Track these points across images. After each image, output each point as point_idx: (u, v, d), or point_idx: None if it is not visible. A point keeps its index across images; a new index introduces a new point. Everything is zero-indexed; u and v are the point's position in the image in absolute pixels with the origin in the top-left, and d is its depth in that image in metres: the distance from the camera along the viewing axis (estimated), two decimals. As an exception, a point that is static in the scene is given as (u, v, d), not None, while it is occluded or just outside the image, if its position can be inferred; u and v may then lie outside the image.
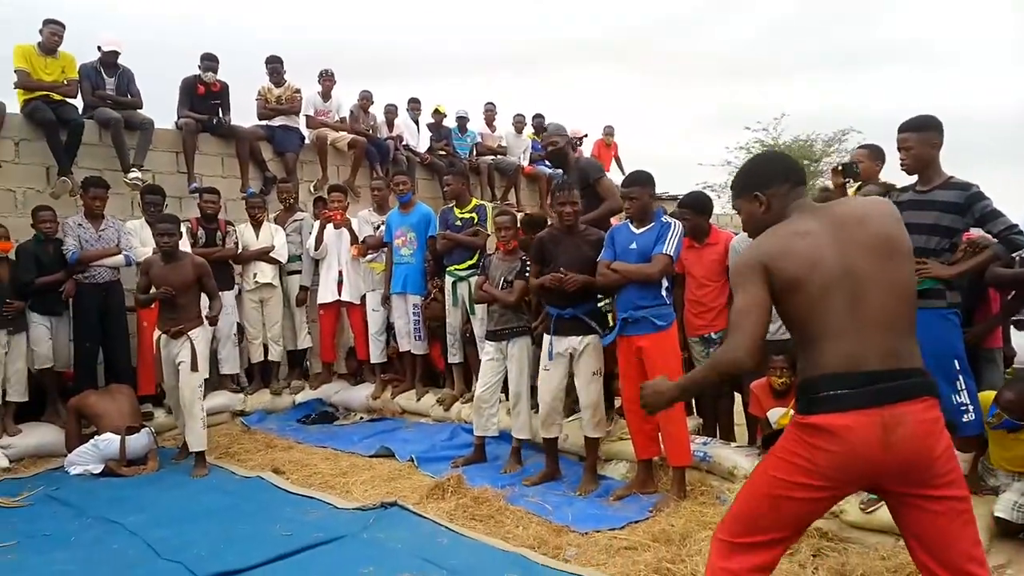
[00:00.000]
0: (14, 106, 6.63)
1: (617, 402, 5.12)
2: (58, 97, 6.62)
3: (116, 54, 7.13)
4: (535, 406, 4.91)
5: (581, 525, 3.84)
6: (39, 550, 3.85)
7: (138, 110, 7.17)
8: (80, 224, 5.96)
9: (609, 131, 12.41)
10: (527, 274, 4.91)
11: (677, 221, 4.34)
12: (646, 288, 4.18)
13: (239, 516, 4.23)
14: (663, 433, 4.24)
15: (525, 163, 10.85)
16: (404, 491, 4.53)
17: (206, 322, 5.45)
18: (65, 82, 6.68)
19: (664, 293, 4.23)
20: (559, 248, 4.52)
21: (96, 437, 5.26)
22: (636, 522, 3.88)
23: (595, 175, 5.22)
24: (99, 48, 7.11)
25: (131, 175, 6.83)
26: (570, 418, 4.86)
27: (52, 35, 6.68)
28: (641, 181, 4.31)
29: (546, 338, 4.61)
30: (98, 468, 5.18)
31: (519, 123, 11.02)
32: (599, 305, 4.66)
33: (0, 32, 6.96)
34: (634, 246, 4.23)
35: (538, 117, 11.32)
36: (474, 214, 5.96)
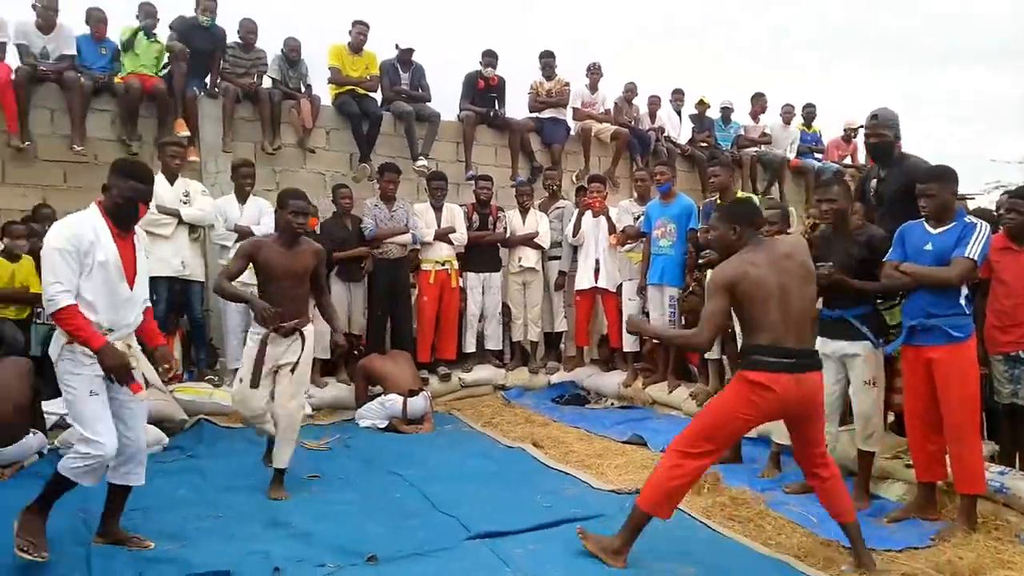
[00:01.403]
0: (327, 99, 7.61)
1: (891, 416, 4.77)
2: (362, 91, 7.48)
3: (411, 51, 7.87)
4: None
5: (853, 541, 3.62)
6: (334, 488, 4.42)
7: (427, 103, 7.87)
8: (376, 205, 6.69)
9: (853, 123, 11.36)
10: None
11: (983, 222, 3.90)
12: (941, 294, 3.79)
13: (503, 482, 4.52)
14: (952, 455, 3.85)
15: (792, 156, 10.31)
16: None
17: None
18: (368, 78, 7.53)
19: (963, 301, 3.83)
20: (829, 248, 4.28)
21: (382, 396, 5.90)
22: (916, 548, 3.58)
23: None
24: (396, 46, 7.90)
25: (419, 163, 7.54)
26: (842, 428, 4.58)
27: (359, 35, 7.56)
28: (941, 176, 3.92)
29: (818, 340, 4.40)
30: (383, 424, 5.81)
31: (787, 113, 10.49)
32: (879, 311, 4.34)
33: (319, 36, 7.93)
34: (929, 247, 3.85)
35: (808, 107, 10.70)
36: (742, 208, 5.79)
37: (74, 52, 6.66)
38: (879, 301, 4.30)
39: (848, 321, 4.17)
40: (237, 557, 3.31)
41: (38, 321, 5.62)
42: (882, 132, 4.61)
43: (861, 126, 9.60)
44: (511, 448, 5.30)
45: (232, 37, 7.33)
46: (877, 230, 4.26)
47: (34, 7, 6.51)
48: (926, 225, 3.93)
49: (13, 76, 6.30)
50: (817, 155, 10.59)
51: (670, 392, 6.45)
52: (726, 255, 3.33)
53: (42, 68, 6.45)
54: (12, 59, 6.52)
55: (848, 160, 10.72)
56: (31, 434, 4.50)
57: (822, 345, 4.30)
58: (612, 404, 6.84)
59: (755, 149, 10.09)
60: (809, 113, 10.70)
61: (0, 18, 6.43)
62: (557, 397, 7.01)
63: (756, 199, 5.99)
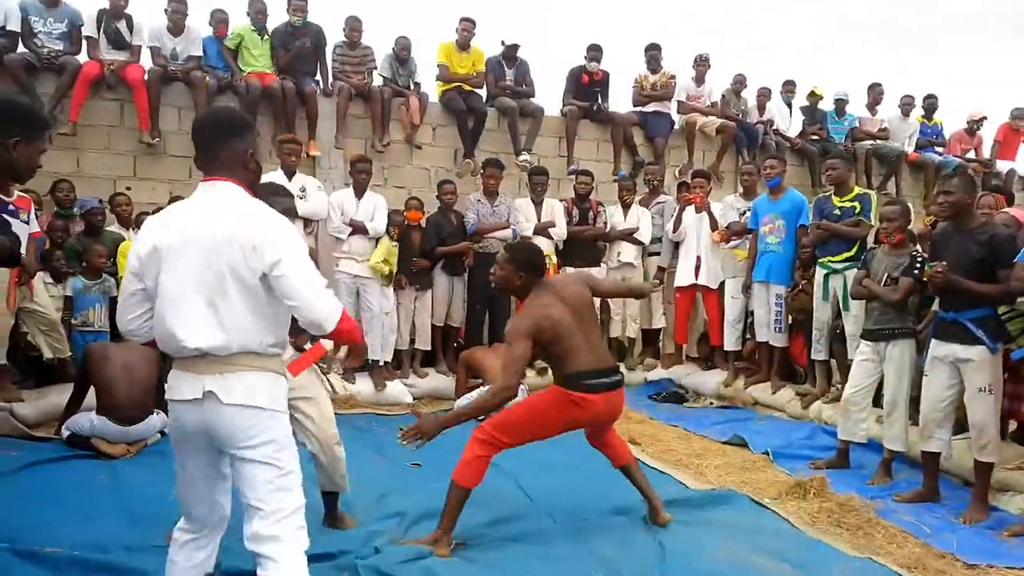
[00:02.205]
0: (434, 96, 7.79)
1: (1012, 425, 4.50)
2: (468, 88, 7.62)
3: (516, 47, 7.95)
4: (914, 417, 4.50)
5: (970, 555, 3.44)
6: (433, 477, 4.53)
7: (531, 99, 7.94)
8: (479, 200, 6.80)
9: (1019, 114, 10.61)
10: (916, 271, 4.50)
11: None
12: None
13: (597, 476, 4.49)
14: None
15: (910, 150, 9.78)
16: (760, 483, 4.47)
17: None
18: (475, 74, 7.66)
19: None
20: (946, 245, 4.06)
21: (482, 387, 6.01)
22: (1039, 565, 3.37)
23: None
24: (502, 42, 7.99)
25: (521, 158, 7.62)
26: (957, 436, 4.34)
27: (465, 31, 7.70)
28: None
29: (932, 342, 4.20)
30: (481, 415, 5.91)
31: (907, 105, 9.94)
32: (1003, 314, 4.09)
33: (427, 35, 8.11)
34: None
35: (929, 98, 10.13)
36: (856, 203, 5.57)
37: (200, 53, 7.08)
38: (1006, 308, 4.05)
39: (963, 324, 3.96)
40: (341, 537, 3.47)
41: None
42: None
43: (984, 118, 8.91)
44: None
45: (338, 36, 7.57)
46: (1002, 228, 4.01)
47: (165, 11, 6.96)
48: None
49: (146, 76, 6.76)
50: (938, 149, 10.01)
51: (773, 393, 6.28)
52: (510, 293, 3.76)
53: (171, 68, 6.90)
54: (145, 60, 7.00)
55: (972, 154, 10.09)
56: (155, 414, 4.82)
57: (934, 348, 4.10)
58: (711, 403, 6.72)
59: (871, 142, 9.63)
60: (930, 104, 10.11)
61: (136, 22, 6.91)
62: (654, 394, 6.94)
63: (872, 195, 5.75)
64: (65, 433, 4.71)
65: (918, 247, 4.87)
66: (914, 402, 4.54)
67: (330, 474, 3.54)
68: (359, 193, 6.42)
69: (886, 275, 4.65)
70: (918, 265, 4.51)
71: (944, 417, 4.15)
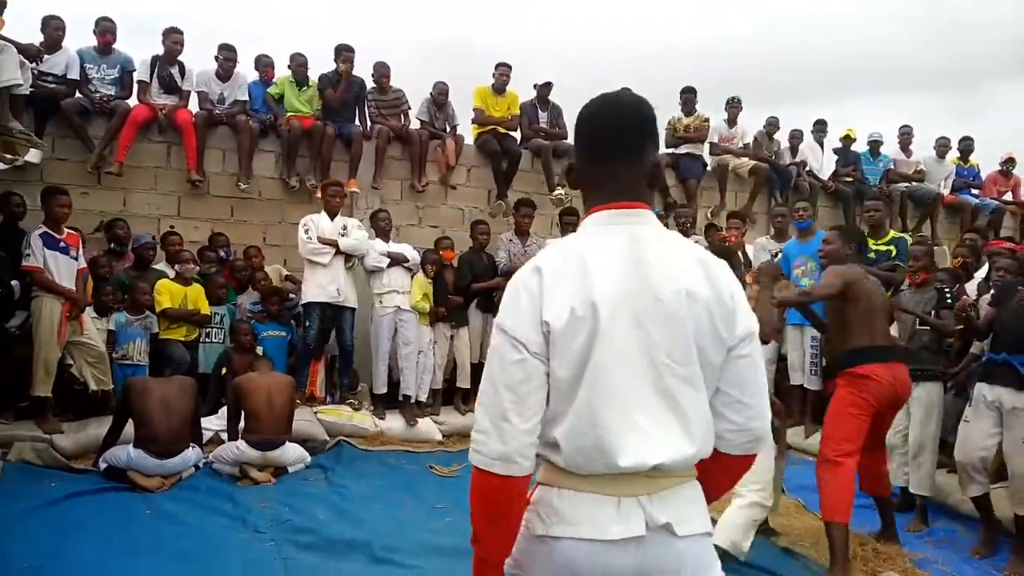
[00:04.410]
0: (469, 138, 7.96)
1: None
2: (503, 130, 7.77)
3: (550, 85, 8.09)
4: (948, 464, 4.43)
5: (1010, 609, 3.35)
6: (463, 514, 4.55)
7: (564, 140, 8.06)
8: (511, 239, 6.89)
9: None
10: (949, 301, 4.61)
11: None
12: None
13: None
14: None
15: (946, 192, 9.69)
16: (795, 530, 4.40)
17: None
18: (510, 118, 7.81)
19: None
20: (1013, 291, 4.06)
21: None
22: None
23: None
24: (534, 86, 8.15)
25: (556, 193, 7.72)
26: (996, 484, 4.24)
27: (502, 76, 7.88)
28: None
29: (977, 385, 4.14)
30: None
31: (942, 147, 9.88)
32: None
33: (461, 79, 8.30)
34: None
35: (965, 140, 10.05)
36: (892, 247, 5.55)
37: (246, 98, 7.33)
38: None
39: (1014, 366, 3.90)
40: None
41: (207, 341, 6.18)
42: None
43: (1012, 158, 8.85)
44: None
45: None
46: None
47: (216, 58, 7.24)
48: None
49: (194, 119, 7.01)
50: (974, 191, 9.90)
51: (807, 437, 6.19)
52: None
53: (217, 112, 7.15)
54: (192, 104, 7.27)
55: (1008, 195, 9.97)
56: (190, 448, 4.94)
57: (980, 391, 4.05)
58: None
59: (906, 184, 9.55)
60: (966, 147, 10.03)
61: (188, 68, 7.20)
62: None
63: (907, 238, 5.72)
64: (102, 465, 4.82)
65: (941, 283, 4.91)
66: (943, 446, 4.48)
67: None
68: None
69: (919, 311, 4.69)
70: (948, 298, 4.57)
71: (984, 463, 4.07)
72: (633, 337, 1.44)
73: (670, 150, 8.67)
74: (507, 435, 1.43)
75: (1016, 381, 3.89)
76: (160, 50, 7.08)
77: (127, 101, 6.94)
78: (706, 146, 8.78)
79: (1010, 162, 10.03)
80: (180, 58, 7.15)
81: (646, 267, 1.47)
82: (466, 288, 6.71)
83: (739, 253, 6.71)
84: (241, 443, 4.99)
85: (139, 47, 7.20)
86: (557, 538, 1.46)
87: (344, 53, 7.50)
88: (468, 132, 8.01)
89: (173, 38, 7.06)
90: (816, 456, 5.85)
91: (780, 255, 6.50)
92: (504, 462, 1.44)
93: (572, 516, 1.46)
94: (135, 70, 7.03)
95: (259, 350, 5.96)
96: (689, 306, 1.45)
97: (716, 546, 1.54)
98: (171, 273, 6.18)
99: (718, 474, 1.59)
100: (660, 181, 1.58)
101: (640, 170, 1.55)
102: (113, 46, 6.97)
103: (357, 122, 7.70)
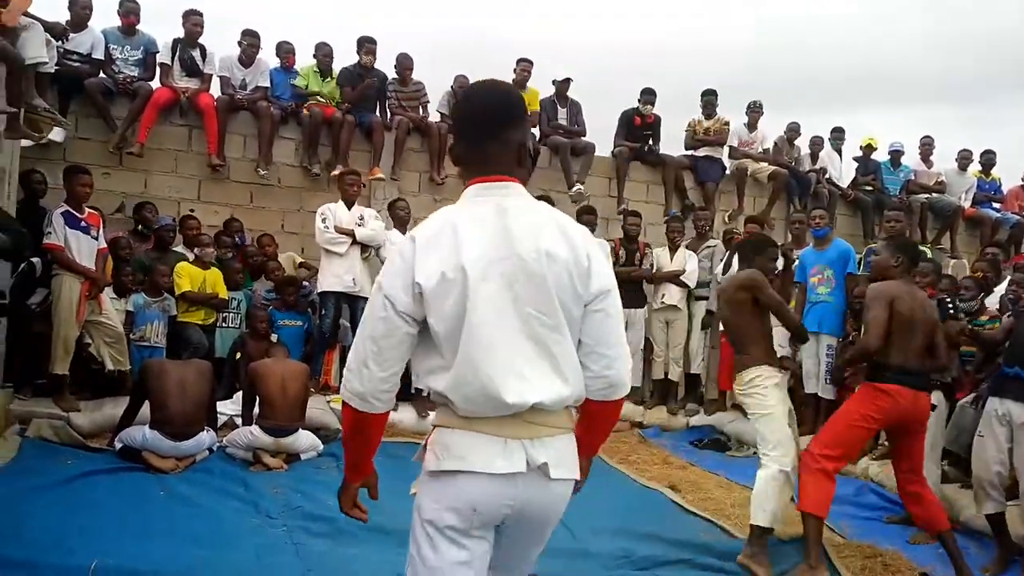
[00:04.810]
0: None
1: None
2: (523, 127, 7.75)
3: (568, 81, 8.08)
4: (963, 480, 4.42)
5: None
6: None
7: (582, 137, 8.06)
8: (528, 236, 6.88)
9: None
10: (951, 311, 4.78)
11: None
12: None
13: (637, 520, 4.52)
14: None
15: (967, 204, 9.62)
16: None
17: None
18: (530, 114, 7.78)
19: None
20: None
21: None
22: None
23: None
24: (553, 81, 8.14)
25: (574, 189, 7.73)
26: (1009, 502, 4.22)
27: (523, 72, 7.88)
28: None
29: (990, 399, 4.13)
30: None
31: (964, 159, 9.82)
32: None
33: (472, 61, 8.30)
34: None
35: (987, 153, 9.98)
36: (910, 259, 5.52)
37: (268, 84, 7.35)
38: None
39: (1023, 380, 3.88)
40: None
41: (223, 325, 6.20)
42: None
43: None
44: (647, 487, 5.26)
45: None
46: None
47: (240, 43, 7.26)
48: None
49: (216, 104, 7.03)
50: (996, 204, 9.84)
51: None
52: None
53: (238, 97, 7.16)
54: (215, 89, 7.29)
55: (1031, 210, 9.91)
56: (205, 431, 4.96)
57: (991, 404, 4.04)
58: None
59: (926, 196, 9.50)
60: (988, 160, 9.97)
61: (209, 51, 7.22)
62: (696, 440, 6.86)
63: (926, 250, 5.70)
64: (118, 445, 4.85)
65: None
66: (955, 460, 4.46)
67: None
68: (403, 231, 6.54)
69: None
70: (950, 308, 4.70)
71: (999, 479, 4.05)
72: (503, 295, 1.66)
73: (689, 152, 8.66)
74: (365, 379, 1.71)
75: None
76: (181, 33, 7.09)
77: (150, 83, 6.97)
78: (725, 149, 8.75)
79: None
80: (202, 41, 7.16)
81: (511, 233, 1.68)
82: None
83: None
84: (255, 428, 5.02)
85: (162, 30, 7.24)
86: (450, 472, 1.70)
87: (367, 45, 7.51)
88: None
89: (193, 20, 7.08)
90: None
91: (796, 263, 6.49)
92: (360, 400, 1.73)
93: (463, 453, 1.69)
94: (158, 52, 7.05)
95: (274, 337, 5.98)
96: (549, 265, 1.68)
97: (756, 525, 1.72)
98: (190, 256, 6.21)
99: (589, 421, 1.85)
100: (530, 159, 1.65)
101: (508, 149, 1.77)
102: (137, 27, 7.00)
103: (377, 113, 7.70)
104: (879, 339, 3.73)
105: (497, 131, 1.78)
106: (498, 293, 1.67)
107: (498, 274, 1.67)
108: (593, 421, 1.87)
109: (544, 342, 1.69)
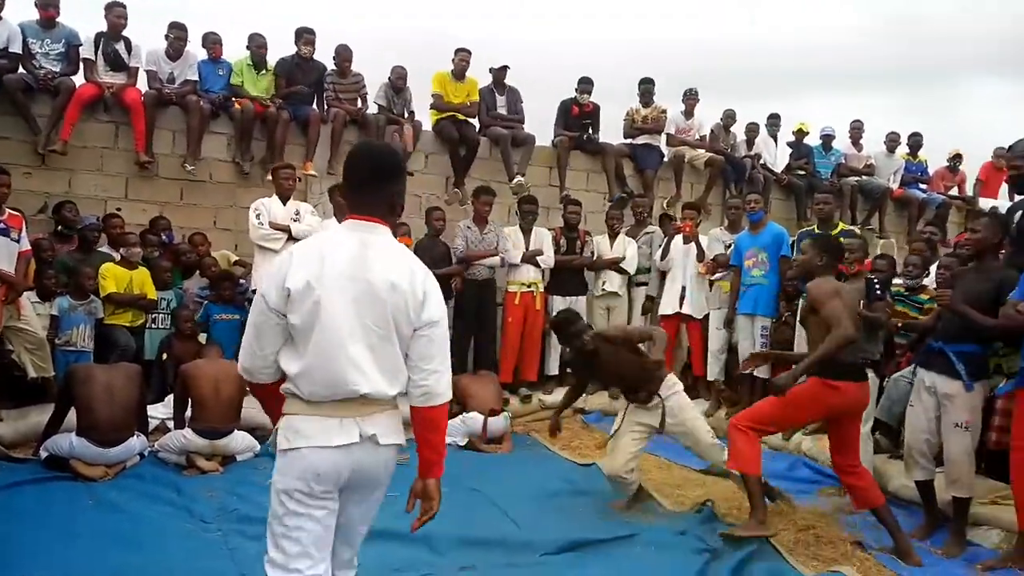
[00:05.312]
0: (428, 124, 7.90)
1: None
2: (462, 117, 7.72)
3: (505, 69, 8.06)
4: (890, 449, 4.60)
5: (944, 590, 3.47)
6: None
7: (522, 126, 8.06)
8: (469, 226, 6.87)
9: (1001, 153, 10.79)
10: (878, 292, 4.94)
11: None
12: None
13: (582, 502, 4.58)
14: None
15: (895, 186, 9.93)
16: (743, 513, 4.46)
17: None
18: (469, 104, 7.77)
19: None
20: (961, 280, 4.17)
21: (464, 414, 6.01)
22: (1012, 601, 3.40)
23: None
24: (490, 70, 8.11)
25: (515, 180, 7.72)
26: (939, 469, 4.38)
27: (462, 61, 7.82)
28: None
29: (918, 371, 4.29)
30: (462, 441, 5.91)
31: (892, 142, 10.12)
32: (1000, 353, 4.16)
33: (421, 59, 8.25)
34: (1052, 286, 3.67)
35: (914, 136, 10.30)
36: (842, 239, 5.65)
37: (196, 77, 7.15)
38: (1003, 344, 4.11)
39: (947, 355, 4.03)
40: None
41: (152, 327, 6.04)
42: (1019, 164, 4.43)
43: (959, 154, 9.18)
44: (586, 467, 5.33)
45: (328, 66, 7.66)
46: (1012, 272, 4.08)
47: (167, 36, 7.04)
48: None
49: (142, 99, 6.82)
50: (922, 186, 10.17)
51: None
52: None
53: (166, 92, 6.96)
54: (141, 83, 7.06)
55: (955, 191, 10.27)
56: (135, 436, 4.83)
57: (920, 376, 4.19)
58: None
59: (856, 178, 9.76)
60: (915, 142, 10.29)
61: (134, 44, 6.99)
62: (639, 424, 6.94)
63: (856, 230, 5.86)
64: (43, 454, 4.70)
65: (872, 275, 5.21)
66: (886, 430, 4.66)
67: None
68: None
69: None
70: (877, 289, 4.89)
71: (929, 447, 4.20)
72: (351, 307, 2.12)
73: (628, 140, 8.73)
74: (248, 356, 2.23)
75: (949, 369, 4.02)
76: (104, 26, 6.85)
77: (72, 78, 6.72)
78: (663, 137, 8.85)
79: (957, 158, 10.34)
80: (126, 34, 6.93)
81: (367, 263, 2.15)
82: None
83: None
84: (188, 432, 4.90)
85: (83, 25, 6.97)
86: (297, 449, 2.14)
87: (305, 36, 7.37)
88: (426, 118, 7.94)
89: (116, 12, 6.83)
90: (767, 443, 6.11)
91: (732, 246, 6.60)
92: (247, 373, 2.26)
93: (309, 433, 2.14)
94: (81, 45, 6.80)
95: (202, 337, 5.86)
96: (391, 293, 2.13)
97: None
98: (116, 256, 6.02)
99: (416, 423, 2.27)
100: (399, 208, 1.98)
101: (381, 198, 2.25)
102: (57, 20, 6.74)
103: (315, 106, 7.58)
104: (854, 324, 3.86)
105: (372, 182, 2.25)
106: (348, 305, 2.12)
107: (350, 291, 2.12)
108: (418, 424, 2.28)
109: (377, 349, 2.14)
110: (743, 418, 4.12)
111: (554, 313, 6.49)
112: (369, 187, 2.24)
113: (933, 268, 5.89)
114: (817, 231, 5.82)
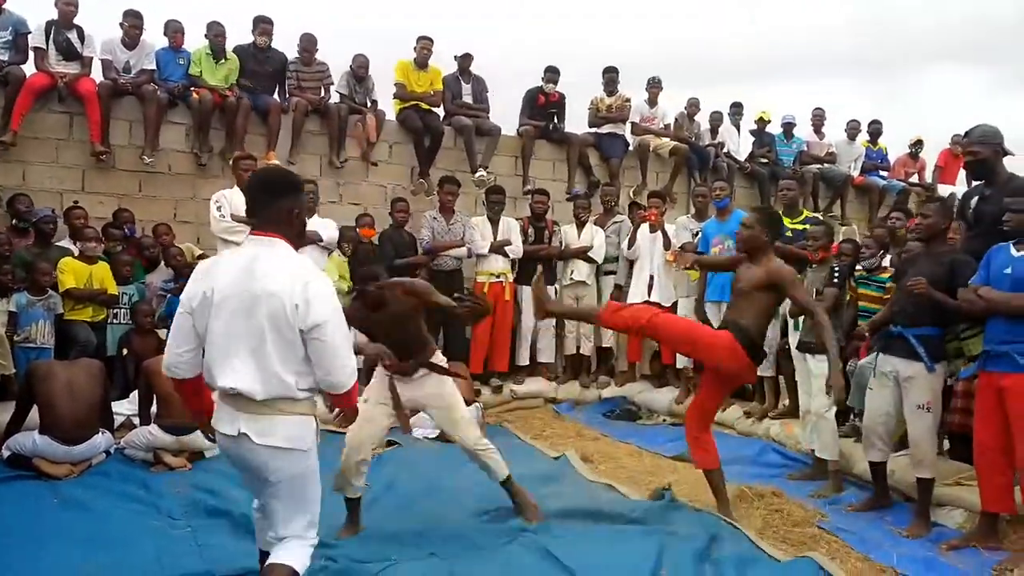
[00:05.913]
0: (391, 114, 7.81)
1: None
2: (426, 106, 7.65)
3: (470, 57, 8.00)
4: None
5: (910, 569, 3.55)
6: (389, 494, 4.52)
7: (487, 116, 8.01)
8: (435, 217, 6.82)
9: (959, 139, 11.04)
10: (836, 281, 4.99)
11: None
12: (1018, 321, 3.66)
13: (549, 490, 4.58)
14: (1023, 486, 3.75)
15: (856, 173, 10.10)
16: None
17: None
18: (432, 93, 7.70)
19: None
20: (914, 264, 4.23)
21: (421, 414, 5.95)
22: (976, 578, 3.49)
23: None
24: (455, 57, 8.05)
25: (478, 174, 7.68)
26: (900, 452, 4.48)
27: (424, 50, 7.74)
28: None
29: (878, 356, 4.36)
30: (433, 434, 5.85)
31: (853, 130, 10.28)
32: (962, 336, 4.25)
33: (385, 49, 8.15)
34: (1009, 271, 3.72)
35: (874, 123, 10.48)
36: (807, 226, 5.75)
37: (153, 67, 6.97)
38: (965, 328, 4.20)
39: (907, 339, 4.10)
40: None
41: (114, 322, 5.90)
42: (975, 150, 4.39)
43: (920, 141, 9.33)
44: (556, 458, 5.33)
45: (292, 54, 7.54)
46: (962, 256, 4.15)
47: (122, 25, 6.85)
48: (1012, 248, 3.79)
49: (97, 89, 6.63)
50: (883, 173, 10.36)
51: (723, 410, 6.35)
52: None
53: (122, 82, 6.77)
54: (95, 72, 6.86)
55: (915, 178, 10.47)
56: (100, 433, 4.73)
57: (880, 362, 4.26)
58: (664, 420, 6.79)
59: (818, 166, 9.90)
60: (875, 130, 10.47)
61: (88, 34, 6.78)
62: (608, 412, 7.00)
63: (819, 216, 5.95)
64: (5, 453, 4.59)
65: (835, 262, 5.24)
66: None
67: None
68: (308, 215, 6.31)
69: (814, 289, 5.01)
70: (836, 277, 4.96)
71: (886, 430, 4.28)
72: (235, 315, 2.44)
73: (592, 129, 8.74)
74: (169, 353, 2.60)
75: (911, 352, 4.10)
76: (54, 14, 6.64)
77: (22, 67, 6.51)
78: (628, 126, 8.87)
79: (918, 144, 10.54)
80: (80, 23, 6.73)
81: (253, 275, 2.45)
82: (389, 266, 6.60)
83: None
84: (154, 428, 4.80)
85: (32, 14, 6.74)
86: (215, 428, 2.59)
87: (262, 25, 7.24)
88: (390, 107, 7.86)
89: (65, 0, 6.62)
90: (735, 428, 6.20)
91: (699, 234, 6.66)
92: (168, 369, 2.61)
93: (217, 419, 2.57)
94: (30, 32, 6.58)
95: (163, 333, 5.74)
96: (268, 301, 2.41)
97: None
98: (75, 250, 5.86)
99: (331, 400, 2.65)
100: (296, 223, 2.52)
101: (279, 213, 2.55)
102: (3, 7, 6.51)
103: (276, 95, 7.45)
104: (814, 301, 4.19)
105: (270, 201, 2.55)
106: (232, 313, 2.44)
107: (235, 300, 2.44)
108: (333, 401, 2.66)
109: (255, 353, 2.44)
110: (691, 427, 4.34)
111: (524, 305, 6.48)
112: (264, 205, 2.55)
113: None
114: (783, 217, 5.88)
